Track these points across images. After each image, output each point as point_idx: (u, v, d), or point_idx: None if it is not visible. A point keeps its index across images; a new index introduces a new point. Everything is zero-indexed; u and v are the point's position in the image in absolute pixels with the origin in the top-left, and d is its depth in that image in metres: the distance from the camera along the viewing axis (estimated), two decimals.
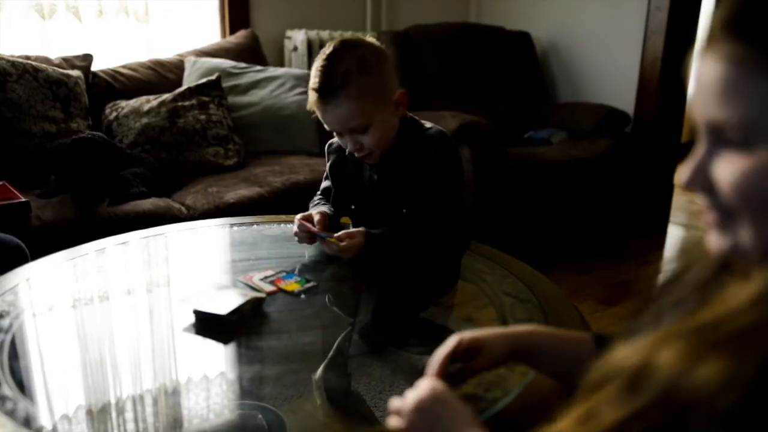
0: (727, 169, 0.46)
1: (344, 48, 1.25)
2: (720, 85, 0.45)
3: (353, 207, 1.45)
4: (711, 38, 0.46)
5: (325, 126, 1.31)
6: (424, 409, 0.66)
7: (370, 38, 1.32)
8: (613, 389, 0.47)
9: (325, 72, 1.23)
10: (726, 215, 0.49)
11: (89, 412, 0.88)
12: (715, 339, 0.43)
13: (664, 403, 0.43)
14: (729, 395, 0.39)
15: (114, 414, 0.88)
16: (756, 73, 0.43)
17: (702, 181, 0.49)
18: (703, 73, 0.46)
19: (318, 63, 1.26)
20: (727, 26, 0.44)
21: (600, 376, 0.49)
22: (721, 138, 0.47)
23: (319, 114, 1.28)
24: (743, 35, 0.43)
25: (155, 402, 0.91)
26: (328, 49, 1.26)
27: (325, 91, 1.24)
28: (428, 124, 1.37)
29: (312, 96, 1.26)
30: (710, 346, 0.42)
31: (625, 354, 0.48)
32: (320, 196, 1.52)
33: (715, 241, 0.51)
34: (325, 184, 1.52)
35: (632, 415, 0.44)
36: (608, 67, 3.40)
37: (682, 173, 0.50)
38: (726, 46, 0.44)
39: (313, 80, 1.26)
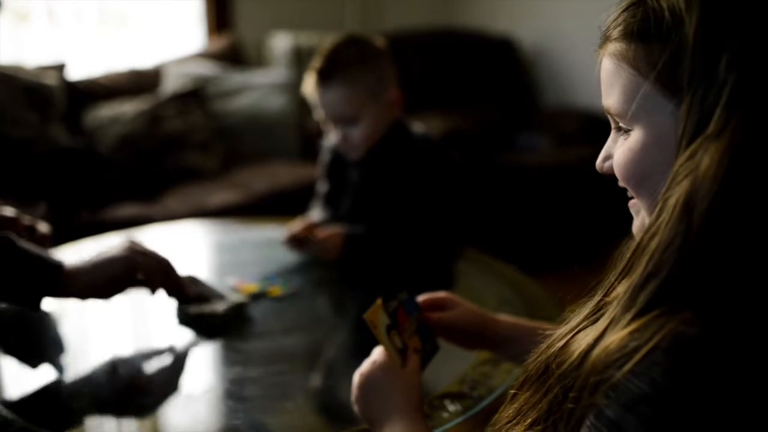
0: (617, 152, 0.52)
1: (349, 40, 1.35)
2: (606, 76, 0.52)
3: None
4: (605, 40, 0.53)
5: (317, 114, 1.34)
6: (365, 386, 0.70)
7: (377, 38, 1.39)
8: (532, 386, 0.52)
9: (327, 56, 1.31)
10: (634, 198, 0.53)
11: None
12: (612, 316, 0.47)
13: (570, 388, 0.47)
14: (623, 364, 0.43)
15: (93, 415, 0.87)
16: (623, 64, 0.50)
17: (608, 165, 0.54)
18: (599, 69, 0.54)
19: (323, 49, 1.34)
20: (620, 30, 0.51)
21: (526, 371, 0.54)
22: (615, 124, 0.53)
23: (313, 97, 1.32)
24: (627, 36, 0.50)
25: (137, 408, 0.89)
26: (335, 39, 1.35)
27: (323, 72, 1.30)
28: (417, 129, 1.39)
29: (310, 77, 1.32)
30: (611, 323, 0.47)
31: (544, 348, 0.53)
32: (316, 202, 1.53)
33: (634, 225, 0.55)
34: (318, 186, 1.53)
35: (548, 409, 0.49)
36: (594, 71, 3.41)
37: (599, 158, 0.56)
38: (613, 44, 0.51)
39: (314, 62, 1.33)
